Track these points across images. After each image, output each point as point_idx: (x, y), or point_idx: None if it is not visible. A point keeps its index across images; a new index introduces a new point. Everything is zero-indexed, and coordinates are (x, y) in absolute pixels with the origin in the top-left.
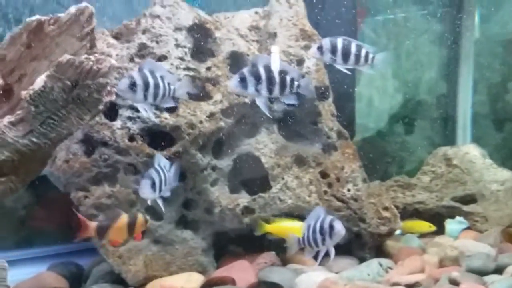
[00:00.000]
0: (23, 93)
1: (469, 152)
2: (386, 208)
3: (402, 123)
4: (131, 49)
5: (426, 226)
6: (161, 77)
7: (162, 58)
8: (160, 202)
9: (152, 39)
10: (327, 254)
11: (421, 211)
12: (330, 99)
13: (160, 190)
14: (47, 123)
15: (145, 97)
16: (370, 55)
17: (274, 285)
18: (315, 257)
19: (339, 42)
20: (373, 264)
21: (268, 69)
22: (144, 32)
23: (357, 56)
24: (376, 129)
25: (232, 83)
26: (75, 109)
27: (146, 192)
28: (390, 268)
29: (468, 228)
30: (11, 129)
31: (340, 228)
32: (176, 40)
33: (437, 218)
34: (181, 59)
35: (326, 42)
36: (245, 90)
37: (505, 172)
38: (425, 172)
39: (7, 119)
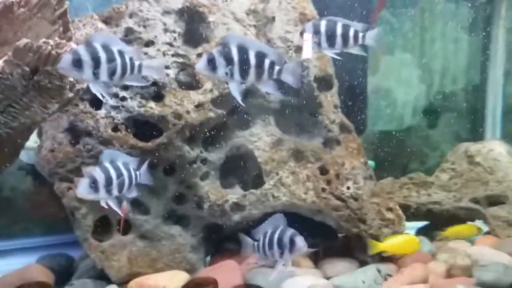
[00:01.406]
0: None
1: (494, 149)
2: (390, 209)
3: (425, 116)
4: (117, 34)
5: (474, 229)
6: (119, 52)
7: (149, 43)
8: (112, 203)
9: (139, 24)
10: (325, 255)
11: (435, 212)
12: (334, 89)
13: (109, 191)
14: (7, 112)
15: (95, 74)
16: (360, 34)
17: None
18: None
19: (323, 24)
20: (371, 270)
21: (242, 50)
22: (131, 16)
23: (345, 37)
24: (396, 122)
25: (200, 64)
26: (37, 97)
27: (81, 191)
28: (390, 275)
29: (488, 233)
30: None
31: (302, 244)
32: (165, 24)
33: (454, 220)
34: (170, 44)
35: (309, 26)
36: (214, 73)
37: None
38: (443, 170)
39: None
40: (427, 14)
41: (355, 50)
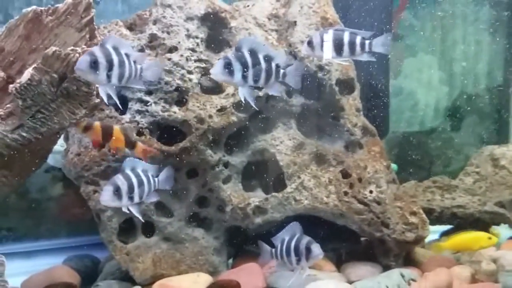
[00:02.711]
0: (10, 87)
1: None
2: (413, 213)
3: (449, 118)
4: (142, 40)
5: (484, 239)
6: (126, 54)
7: (172, 49)
8: (134, 209)
9: (163, 30)
10: (347, 259)
11: (460, 216)
12: (356, 93)
13: (131, 198)
14: (37, 117)
15: (109, 77)
16: (367, 42)
17: None
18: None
19: (329, 34)
20: (394, 275)
21: (253, 53)
22: (155, 22)
23: (352, 46)
24: (419, 124)
25: (215, 69)
26: (65, 103)
27: (105, 199)
28: (413, 280)
29: None
30: (0, 123)
31: (318, 252)
32: (188, 30)
33: (479, 224)
34: (193, 50)
35: (316, 36)
36: (231, 78)
37: None
38: (468, 173)
39: None
40: (449, 15)
41: (363, 57)
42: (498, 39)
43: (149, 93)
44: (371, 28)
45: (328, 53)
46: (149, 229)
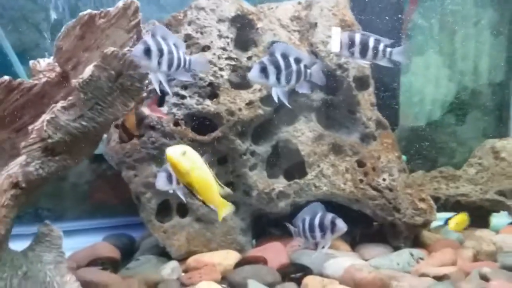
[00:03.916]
0: (74, 81)
1: None
2: (422, 199)
3: (454, 113)
4: None
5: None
6: (174, 44)
7: (205, 48)
8: (179, 192)
9: (197, 30)
10: (361, 241)
11: (463, 204)
12: (371, 89)
13: (178, 183)
14: (95, 109)
15: (160, 64)
16: (388, 49)
17: (303, 267)
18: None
19: (357, 37)
20: (404, 254)
21: (286, 58)
22: (189, 23)
23: (375, 50)
24: (426, 118)
25: (253, 73)
26: (119, 96)
27: (160, 184)
28: (422, 258)
29: None
30: (63, 113)
31: (342, 225)
32: (219, 31)
33: (480, 211)
34: (223, 49)
35: (344, 37)
36: (267, 81)
37: None
38: (471, 164)
39: (60, 104)
40: (455, 16)
41: (383, 62)
42: (500, 38)
43: (184, 87)
44: (383, 29)
45: (356, 54)
46: (183, 210)
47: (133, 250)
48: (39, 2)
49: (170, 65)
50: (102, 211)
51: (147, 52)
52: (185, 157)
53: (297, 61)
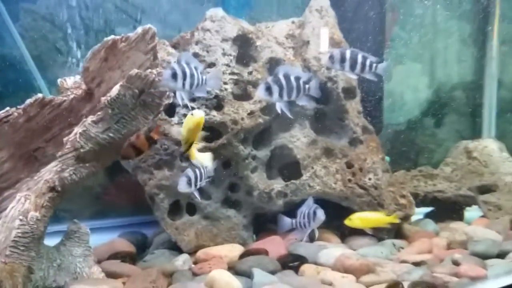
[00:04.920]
0: (103, 99)
1: (488, 146)
2: (403, 196)
3: (432, 116)
4: None
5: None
6: (195, 67)
7: (211, 65)
8: (196, 193)
9: (203, 49)
10: (350, 234)
11: (440, 199)
12: (357, 98)
13: (196, 185)
14: (120, 122)
15: (183, 85)
16: (374, 65)
17: (300, 257)
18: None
19: (347, 53)
20: (388, 244)
21: (287, 77)
22: (197, 43)
23: (363, 65)
24: (407, 122)
25: (260, 92)
26: (141, 111)
27: (182, 187)
28: (402, 248)
29: (482, 216)
30: (93, 127)
31: (320, 214)
32: (223, 49)
33: (455, 206)
34: (227, 65)
35: (336, 53)
36: (272, 98)
37: None
38: (447, 164)
39: (90, 118)
40: (433, 29)
41: (369, 76)
42: (472, 50)
43: (193, 100)
44: (368, 42)
45: (346, 68)
46: (192, 209)
47: (145, 245)
48: (56, 23)
49: (191, 85)
50: (114, 211)
51: (174, 76)
52: None
53: (297, 79)
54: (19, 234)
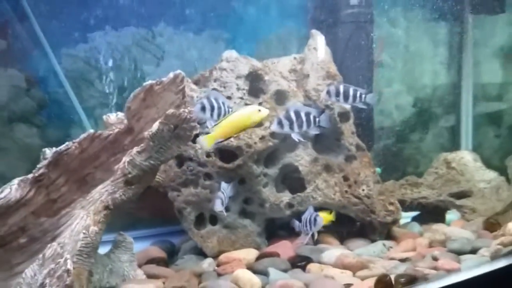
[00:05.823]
0: (145, 133)
1: (464, 157)
2: (391, 203)
3: (418, 131)
4: (206, 93)
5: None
6: (222, 102)
7: (227, 98)
8: (224, 211)
9: (220, 85)
10: (347, 237)
11: (424, 204)
12: (351, 120)
13: (223, 204)
14: (159, 151)
15: (211, 115)
16: (363, 96)
17: (306, 257)
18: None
19: (341, 88)
20: (379, 244)
21: (297, 113)
22: (215, 80)
23: (354, 97)
24: (395, 138)
25: (273, 126)
26: (175, 142)
27: (218, 208)
28: (391, 247)
29: (462, 217)
30: (138, 156)
31: (319, 220)
32: (237, 85)
33: (437, 210)
34: (241, 98)
35: (332, 88)
36: (283, 130)
37: (491, 173)
38: (430, 173)
39: (135, 149)
40: (415, 54)
41: (359, 105)
42: (449, 71)
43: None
44: (358, 68)
45: (341, 100)
46: (214, 220)
47: (174, 251)
48: (93, 65)
49: (218, 116)
50: (144, 223)
51: (203, 109)
52: None
53: (307, 114)
54: (83, 245)
